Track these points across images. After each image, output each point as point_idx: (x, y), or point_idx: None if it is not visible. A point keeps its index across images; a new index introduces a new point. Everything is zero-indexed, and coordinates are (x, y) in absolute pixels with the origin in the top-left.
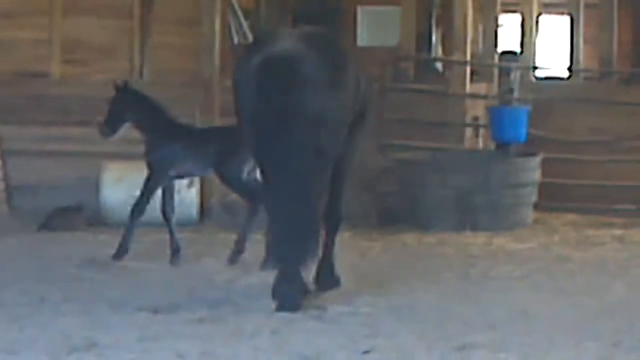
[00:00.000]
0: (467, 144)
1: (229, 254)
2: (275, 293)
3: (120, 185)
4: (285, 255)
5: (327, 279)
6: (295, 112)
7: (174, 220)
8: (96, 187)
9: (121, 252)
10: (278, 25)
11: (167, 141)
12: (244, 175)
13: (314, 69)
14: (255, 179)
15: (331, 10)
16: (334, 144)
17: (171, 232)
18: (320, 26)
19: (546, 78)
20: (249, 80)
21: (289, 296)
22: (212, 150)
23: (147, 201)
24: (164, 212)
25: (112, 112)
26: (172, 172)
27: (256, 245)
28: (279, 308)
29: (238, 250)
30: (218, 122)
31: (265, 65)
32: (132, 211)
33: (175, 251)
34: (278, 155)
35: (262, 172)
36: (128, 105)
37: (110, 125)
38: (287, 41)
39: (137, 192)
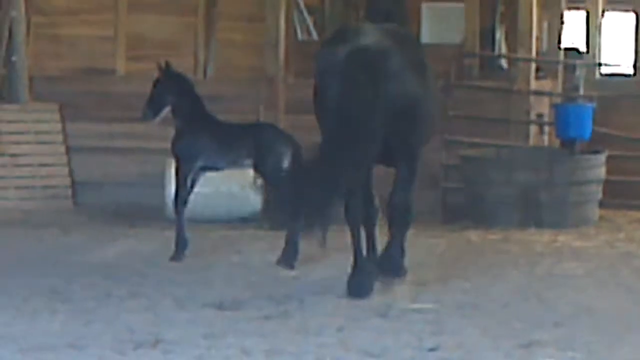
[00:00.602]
0: (532, 141)
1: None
2: (349, 283)
3: None
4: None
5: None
6: (383, 102)
7: (184, 214)
8: (161, 183)
9: (179, 249)
10: (344, 21)
11: (195, 132)
12: (282, 173)
13: (400, 62)
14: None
15: (402, 8)
16: (420, 135)
17: (179, 227)
18: (391, 23)
19: (611, 75)
20: (335, 71)
21: (361, 285)
22: (241, 145)
23: (185, 192)
24: (176, 204)
25: (154, 95)
26: (199, 164)
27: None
28: (351, 295)
29: (289, 252)
30: (283, 118)
31: (353, 57)
32: (175, 205)
33: (181, 248)
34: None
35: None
36: (169, 88)
37: (152, 108)
38: (371, 35)
39: (202, 189)
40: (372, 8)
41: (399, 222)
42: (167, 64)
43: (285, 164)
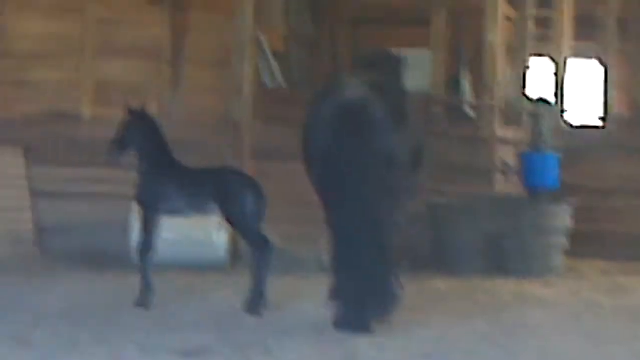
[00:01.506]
0: (498, 188)
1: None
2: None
3: None
4: (359, 308)
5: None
6: (368, 153)
7: (150, 260)
8: (125, 229)
9: (145, 295)
10: (309, 67)
11: (159, 177)
12: (248, 219)
13: (383, 114)
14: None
15: (390, 58)
16: (401, 184)
17: (145, 273)
18: (378, 73)
19: (580, 127)
20: (324, 124)
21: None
22: (205, 190)
23: (150, 237)
24: (140, 250)
25: (121, 135)
26: (163, 209)
27: (285, 288)
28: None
29: (255, 298)
30: (249, 164)
31: (340, 111)
32: (140, 252)
33: (146, 294)
34: (351, 194)
35: (330, 214)
36: (137, 129)
37: (118, 147)
38: (356, 89)
39: (167, 235)
40: (360, 58)
41: None
42: (142, 107)
43: (249, 208)
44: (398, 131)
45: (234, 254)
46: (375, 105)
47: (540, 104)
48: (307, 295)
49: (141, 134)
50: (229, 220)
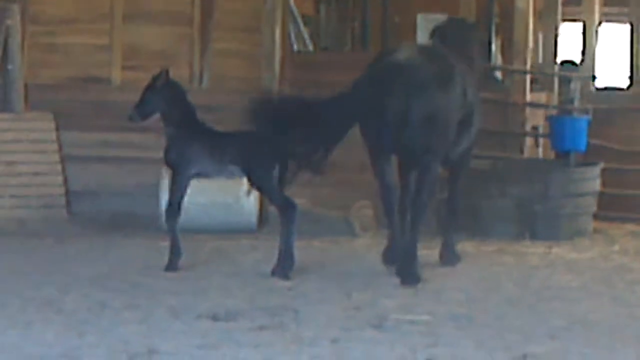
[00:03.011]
0: (527, 153)
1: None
2: (399, 272)
3: None
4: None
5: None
6: (406, 110)
7: (178, 223)
8: (155, 193)
9: (174, 258)
10: (339, 31)
11: (186, 140)
12: (273, 182)
13: (426, 75)
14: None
15: (468, 31)
16: (442, 142)
17: (173, 236)
18: (456, 45)
19: (606, 88)
20: (367, 82)
21: (410, 273)
22: (232, 152)
23: (178, 201)
24: (168, 212)
25: (144, 99)
26: (192, 171)
27: (314, 252)
28: (403, 283)
29: (284, 262)
30: None
31: (385, 71)
32: (167, 215)
33: (175, 257)
34: (391, 150)
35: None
36: (161, 95)
37: (140, 110)
38: (405, 53)
39: (197, 199)
40: (439, 30)
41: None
42: (165, 72)
43: (273, 171)
44: (447, 93)
45: (263, 218)
46: (419, 67)
47: (567, 65)
48: (336, 259)
49: (164, 98)
50: (253, 183)
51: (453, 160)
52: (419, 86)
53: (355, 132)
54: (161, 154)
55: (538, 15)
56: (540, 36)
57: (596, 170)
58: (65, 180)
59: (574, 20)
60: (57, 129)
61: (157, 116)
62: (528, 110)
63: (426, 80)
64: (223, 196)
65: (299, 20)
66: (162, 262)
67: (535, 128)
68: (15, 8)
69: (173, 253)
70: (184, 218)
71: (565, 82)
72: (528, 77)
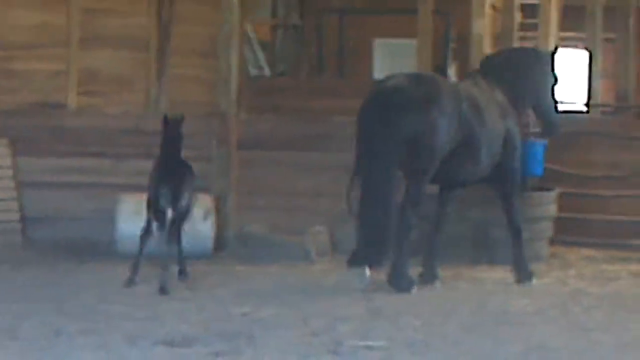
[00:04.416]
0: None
1: (241, 286)
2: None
3: (136, 217)
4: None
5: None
6: (386, 134)
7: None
8: (112, 219)
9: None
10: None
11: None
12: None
13: (413, 101)
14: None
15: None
16: (423, 161)
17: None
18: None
19: (563, 112)
20: (361, 108)
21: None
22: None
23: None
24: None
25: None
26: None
27: (271, 277)
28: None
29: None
30: (234, 154)
31: (370, 96)
32: (142, 236)
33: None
34: (371, 170)
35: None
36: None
37: None
38: (395, 79)
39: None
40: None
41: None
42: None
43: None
44: (422, 113)
45: (220, 243)
46: (405, 93)
47: None
48: (293, 285)
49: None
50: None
51: (489, 180)
52: (397, 109)
53: (309, 158)
54: (118, 179)
55: (494, 40)
56: None
57: (553, 195)
58: (21, 207)
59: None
60: (13, 155)
61: None
62: None
63: (403, 103)
64: None
65: (256, 45)
66: (118, 288)
67: None
68: None
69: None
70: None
71: None
72: None
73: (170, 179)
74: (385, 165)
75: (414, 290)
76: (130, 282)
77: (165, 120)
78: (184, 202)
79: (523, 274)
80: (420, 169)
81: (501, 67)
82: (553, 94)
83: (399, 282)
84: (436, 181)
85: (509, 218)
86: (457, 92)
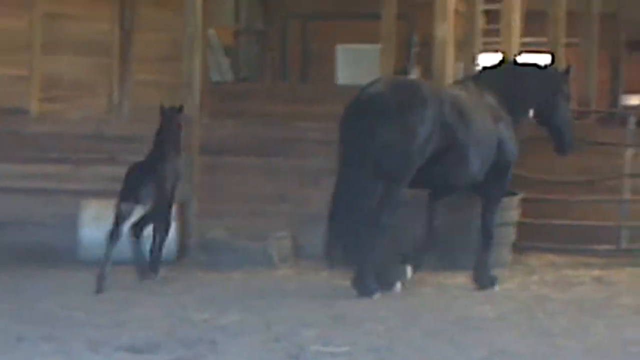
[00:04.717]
0: None
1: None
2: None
3: (98, 223)
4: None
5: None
6: (366, 135)
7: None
8: (73, 225)
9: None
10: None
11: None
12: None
13: (389, 107)
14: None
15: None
16: (399, 166)
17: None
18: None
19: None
20: (342, 115)
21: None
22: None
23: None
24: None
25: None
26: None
27: (233, 283)
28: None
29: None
30: (197, 159)
31: (350, 102)
32: (110, 238)
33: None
34: (346, 174)
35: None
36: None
37: None
38: (375, 86)
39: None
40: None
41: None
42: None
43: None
44: (400, 119)
45: (183, 249)
46: (381, 99)
47: None
48: (255, 290)
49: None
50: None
51: (474, 187)
52: (372, 116)
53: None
54: (80, 185)
55: (457, 44)
56: (461, 66)
57: (515, 200)
58: None
59: (495, 51)
60: None
61: None
62: None
63: (379, 110)
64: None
65: (219, 51)
66: (80, 294)
67: None
68: None
69: (101, 276)
70: (101, 248)
71: None
72: None
73: (153, 170)
74: (362, 172)
75: (376, 295)
76: (101, 288)
77: (162, 111)
78: (165, 193)
79: (485, 280)
80: (395, 174)
81: (501, 77)
82: (567, 112)
83: (361, 286)
84: (425, 186)
85: (485, 222)
86: (439, 96)
